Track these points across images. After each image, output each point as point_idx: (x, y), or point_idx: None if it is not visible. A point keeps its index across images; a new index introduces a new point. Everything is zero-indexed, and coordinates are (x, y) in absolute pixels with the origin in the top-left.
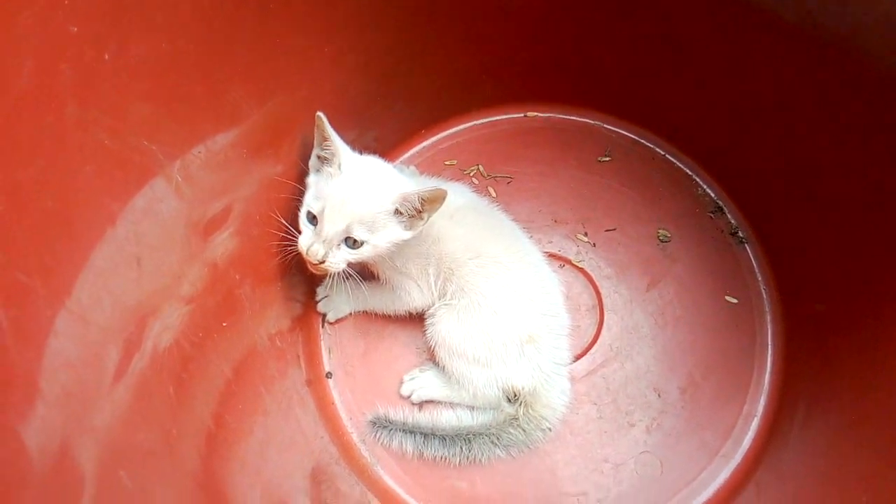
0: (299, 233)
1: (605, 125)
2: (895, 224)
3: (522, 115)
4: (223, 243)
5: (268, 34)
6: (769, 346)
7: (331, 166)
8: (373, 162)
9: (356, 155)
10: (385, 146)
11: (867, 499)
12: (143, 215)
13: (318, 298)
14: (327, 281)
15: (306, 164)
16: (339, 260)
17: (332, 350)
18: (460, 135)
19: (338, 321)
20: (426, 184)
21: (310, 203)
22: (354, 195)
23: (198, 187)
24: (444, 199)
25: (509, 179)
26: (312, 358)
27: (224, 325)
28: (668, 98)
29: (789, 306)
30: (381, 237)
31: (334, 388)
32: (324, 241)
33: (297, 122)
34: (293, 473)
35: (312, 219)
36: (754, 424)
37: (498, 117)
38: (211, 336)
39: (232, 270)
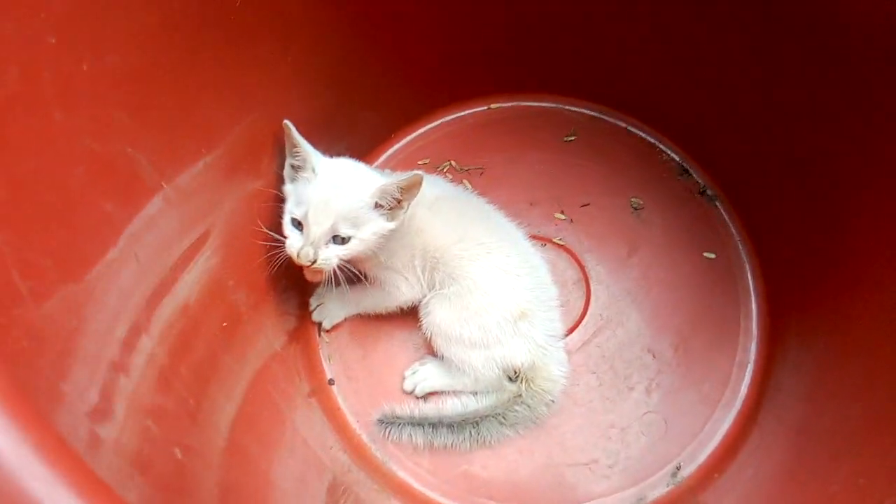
0: (285, 238)
1: (567, 107)
2: (854, 166)
3: (486, 107)
4: (209, 258)
5: (231, 47)
6: (752, 294)
7: (305, 172)
8: (346, 162)
9: (328, 158)
10: (357, 154)
11: (863, 420)
12: (136, 217)
13: (311, 308)
14: (319, 289)
15: (280, 177)
16: (330, 256)
17: (332, 357)
18: (429, 134)
19: (334, 327)
20: (401, 176)
21: (292, 210)
22: (334, 194)
23: (184, 197)
24: (420, 183)
25: (481, 170)
26: (313, 368)
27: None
28: (622, 73)
29: (765, 254)
30: (366, 231)
31: (339, 394)
32: (312, 242)
33: (275, 136)
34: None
35: (297, 224)
36: (749, 371)
37: (463, 112)
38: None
39: (226, 280)
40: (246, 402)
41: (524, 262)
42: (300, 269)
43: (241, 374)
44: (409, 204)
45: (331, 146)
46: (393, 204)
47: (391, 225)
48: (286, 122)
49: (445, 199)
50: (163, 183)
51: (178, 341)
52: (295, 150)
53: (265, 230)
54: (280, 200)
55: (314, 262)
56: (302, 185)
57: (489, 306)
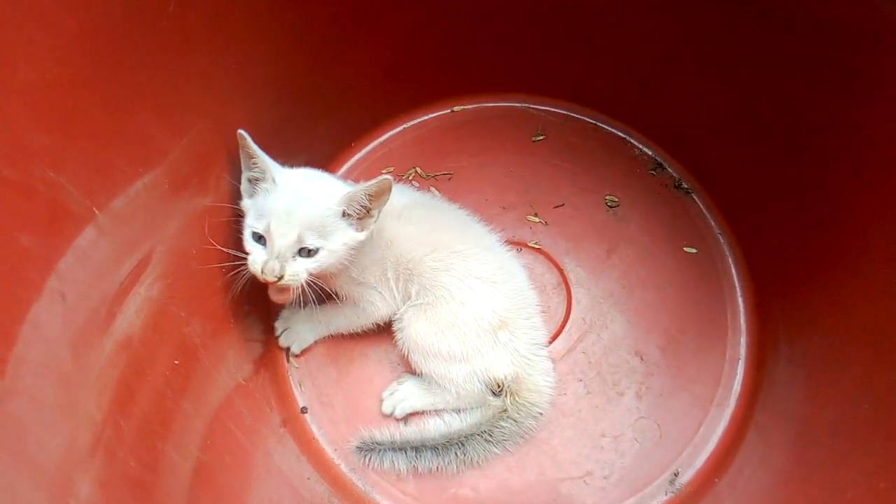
0: (246, 255)
1: (533, 105)
2: (840, 149)
3: (449, 110)
4: (151, 286)
5: (166, 54)
6: (737, 288)
7: (265, 183)
8: (308, 172)
9: (288, 169)
10: (317, 166)
11: (867, 406)
12: (62, 249)
13: (277, 333)
14: (284, 311)
15: (238, 189)
16: (298, 271)
17: (304, 383)
18: (392, 141)
19: (304, 352)
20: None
21: (252, 224)
22: (298, 203)
23: (120, 222)
24: (390, 189)
25: (449, 175)
26: (284, 397)
27: (178, 373)
28: (589, 69)
29: (747, 246)
30: (335, 241)
31: (313, 423)
32: (277, 255)
33: (222, 150)
34: None
35: (259, 239)
36: (740, 367)
37: (426, 117)
38: (169, 389)
39: (175, 311)
40: (205, 450)
41: (500, 269)
42: (264, 288)
43: (197, 419)
44: (379, 212)
45: (288, 159)
46: (361, 213)
47: (360, 235)
48: (241, 131)
49: (415, 208)
50: (94, 209)
51: (118, 392)
52: (252, 161)
53: (222, 249)
54: (237, 216)
55: (281, 277)
56: (262, 198)
57: (467, 317)
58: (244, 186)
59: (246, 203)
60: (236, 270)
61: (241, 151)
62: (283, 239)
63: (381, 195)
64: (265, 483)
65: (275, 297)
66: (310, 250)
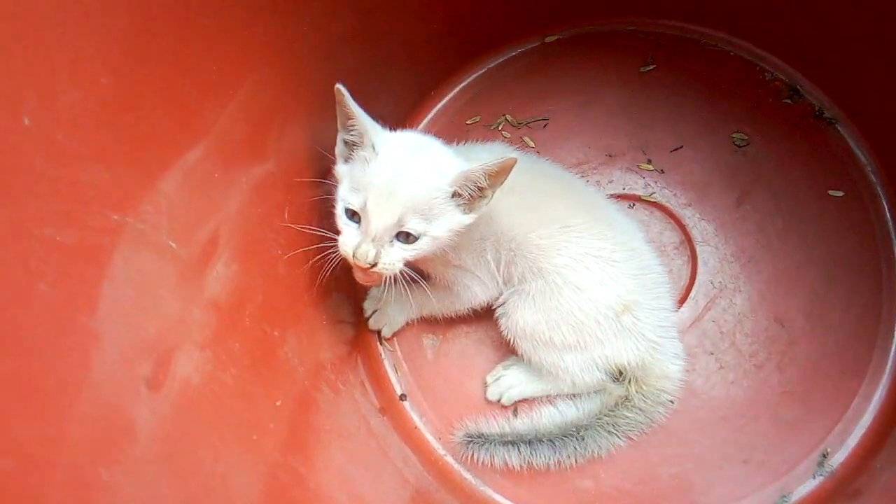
0: (337, 234)
1: (639, 29)
2: None
3: (540, 41)
4: (222, 275)
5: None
6: (893, 235)
7: (363, 150)
8: (413, 138)
9: (389, 132)
10: (394, 121)
11: None
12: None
13: (367, 315)
14: (373, 291)
15: (299, 153)
16: (394, 259)
17: (399, 368)
18: (475, 85)
19: (395, 335)
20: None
21: (346, 197)
22: (402, 179)
23: (176, 213)
24: (511, 168)
25: (545, 122)
26: (380, 382)
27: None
28: None
29: None
30: (440, 226)
31: (412, 411)
32: (373, 239)
33: (281, 109)
34: None
35: (352, 215)
36: None
37: (513, 53)
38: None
39: (244, 305)
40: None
41: (622, 244)
42: (348, 267)
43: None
44: (493, 193)
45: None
46: (475, 193)
47: (468, 219)
48: (338, 86)
49: (515, 175)
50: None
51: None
52: (350, 122)
53: (292, 225)
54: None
55: (375, 264)
56: (359, 167)
57: (584, 304)
58: (339, 149)
59: (340, 169)
60: (326, 252)
61: (337, 109)
62: (380, 220)
63: (501, 175)
64: (367, 451)
65: (362, 279)
66: (409, 234)
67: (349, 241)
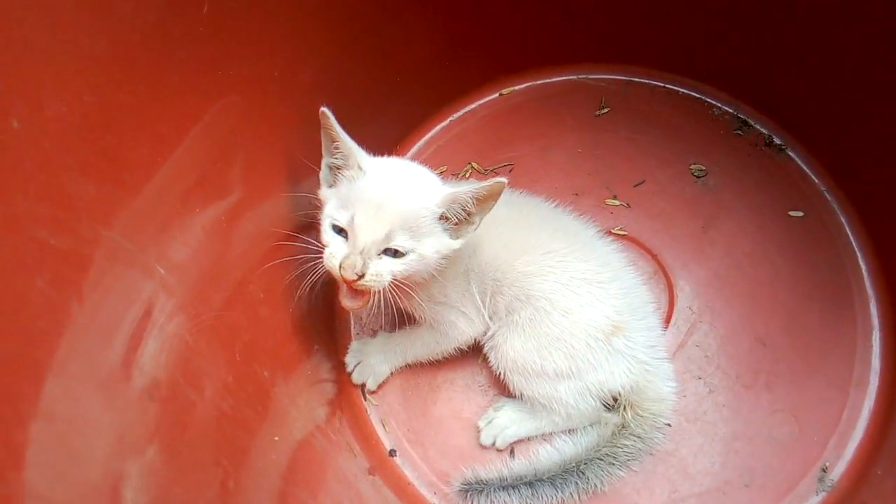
0: (322, 247)
1: (590, 76)
2: None
3: (498, 94)
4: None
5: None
6: (856, 249)
7: (349, 170)
8: (399, 161)
9: (374, 157)
10: None
11: None
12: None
13: (349, 370)
14: (354, 345)
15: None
16: (381, 271)
17: (386, 422)
18: (440, 136)
19: (380, 387)
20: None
21: (333, 214)
22: (391, 196)
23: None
24: (500, 193)
25: (510, 166)
26: (368, 440)
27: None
28: (650, 25)
29: (859, 200)
30: (428, 246)
31: (404, 466)
32: (361, 251)
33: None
34: None
35: (339, 231)
36: (876, 337)
37: (473, 105)
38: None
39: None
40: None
41: (605, 265)
42: (328, 321)
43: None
44: (481, 219)
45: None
46: (461, 217)
47: (456, 244)
48: (323, 109)
49: (495, 207)
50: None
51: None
52: (334, 145)
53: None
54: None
55: (362, 276)
56: (345, 186)
57: (574, 327)
58: (323, 174)
59: (324, 193)
60: (310, 265)
61: (322, 133)
62: (369, 234)
63: (488, 200)
64: None
65: (347, 303)
66: (396, 251)
67: (337, 252)
